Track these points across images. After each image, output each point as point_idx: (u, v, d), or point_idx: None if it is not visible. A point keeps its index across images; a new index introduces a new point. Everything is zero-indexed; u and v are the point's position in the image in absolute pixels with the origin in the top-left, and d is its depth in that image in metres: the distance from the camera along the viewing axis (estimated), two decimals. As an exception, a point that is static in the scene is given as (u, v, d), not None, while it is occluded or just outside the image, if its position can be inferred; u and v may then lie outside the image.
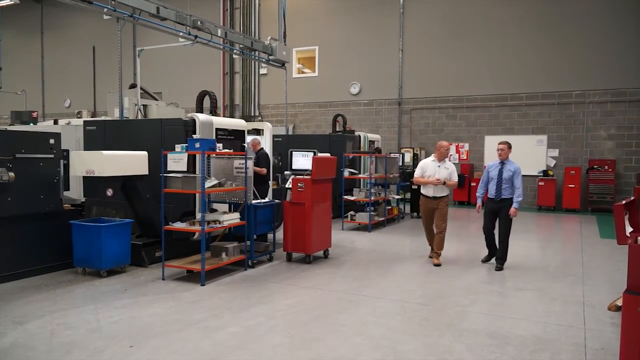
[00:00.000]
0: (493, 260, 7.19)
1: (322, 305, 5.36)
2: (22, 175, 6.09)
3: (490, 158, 15.18)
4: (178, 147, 6.40)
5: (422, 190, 7.45)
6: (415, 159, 15.60)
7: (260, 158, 8.56)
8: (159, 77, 17.52)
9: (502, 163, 7.03)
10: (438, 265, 7.18)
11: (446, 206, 7.38)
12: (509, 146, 7.12)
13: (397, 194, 12.27)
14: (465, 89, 15.83)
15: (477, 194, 7.31)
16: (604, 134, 14.34)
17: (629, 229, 4.19)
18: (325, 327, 4.67)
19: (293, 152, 11.52)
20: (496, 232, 7.16)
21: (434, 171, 7.29)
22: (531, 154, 14.98)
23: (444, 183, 7.22)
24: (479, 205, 7.27)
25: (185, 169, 6.90)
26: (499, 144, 7.18)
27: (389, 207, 11.62)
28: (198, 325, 4.66)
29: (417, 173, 7.52)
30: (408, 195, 13.23)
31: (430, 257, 7.54)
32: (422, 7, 16.35)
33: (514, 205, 6.88)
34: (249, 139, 9.24)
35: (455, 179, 7.43)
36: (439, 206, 7.31)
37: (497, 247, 7.10)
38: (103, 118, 10.33)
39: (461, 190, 15.31)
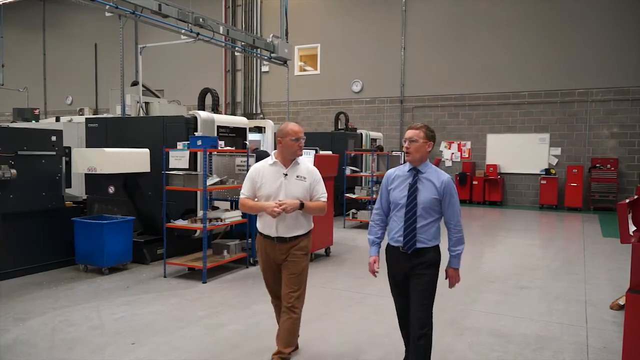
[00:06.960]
0: None
1: (324, 303, 5.35)
2: (24, 172, 6.10)
3: (492, 156, 15.15)
4: (180, 145, 6.40)
5: (258, 226, 3.75)
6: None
7: None
8: (161, 74, 17.52)
9: (416, 171, 3.27)
10: None
11: (305, 256, 3.72)
12: (428, 135, 3.27)
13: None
14: (467, 87, 15.79)
15: (370, 235, 3.52)
16: (607, 133, 14.29)
17: (632, 228, 4.17)
18: (327, 325, 4.67)
19: (295, 150, 11.52)
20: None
21: (277, 186, 3.63)
22: (533, 153, 14.94)
23: (302, 207, 3.56)
24: (374, 261, 3.54)
25: (187, 167, 6.89)
26: (408, 129, 3.31)
27: (391, 205, 11.61)
28: (200, 322, 4.67)
29: (245, 189, 3.73)
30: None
31: None
32: (424, 5, 16.30)
33: (452, 263, 3.42)
34: (256, 136, 9.20)
35: (323, 196, 3.71)
36: (288, 257, 3.67)
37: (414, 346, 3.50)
38: (105, 115, 10.33)
39: (462, 189, 15.23)
